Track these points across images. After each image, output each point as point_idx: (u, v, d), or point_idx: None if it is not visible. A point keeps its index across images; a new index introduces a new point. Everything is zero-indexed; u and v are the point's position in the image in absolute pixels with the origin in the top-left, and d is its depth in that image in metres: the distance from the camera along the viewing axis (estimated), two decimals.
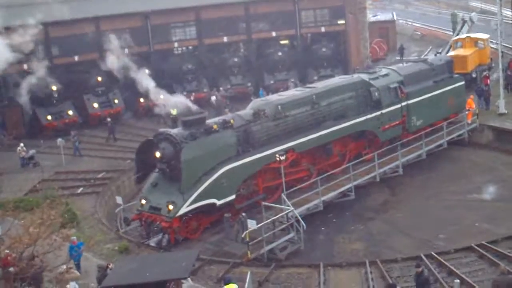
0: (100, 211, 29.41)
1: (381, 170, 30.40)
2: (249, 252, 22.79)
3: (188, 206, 24.62)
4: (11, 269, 16.92)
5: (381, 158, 30.62)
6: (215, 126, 26.01)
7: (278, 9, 51.09)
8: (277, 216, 24.43)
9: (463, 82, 37.77)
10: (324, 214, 28.00)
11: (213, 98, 45.00)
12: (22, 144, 36.67)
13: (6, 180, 32.68)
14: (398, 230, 26.56)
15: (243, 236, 23.12)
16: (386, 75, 33.45)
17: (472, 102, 37.23)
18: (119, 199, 27.65)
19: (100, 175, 34.22)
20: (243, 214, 24.07)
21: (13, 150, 36.97)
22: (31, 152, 36.77)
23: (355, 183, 28.78)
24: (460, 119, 36.45)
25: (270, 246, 23.60)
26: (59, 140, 37.00)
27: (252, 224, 22.91)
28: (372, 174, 29.99)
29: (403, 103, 33.17)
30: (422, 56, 53.52)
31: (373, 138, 32.18)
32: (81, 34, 45.27)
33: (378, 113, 31.68)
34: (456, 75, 37.85)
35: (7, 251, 17.86)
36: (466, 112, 36.51)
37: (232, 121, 26.79)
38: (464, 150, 35.48)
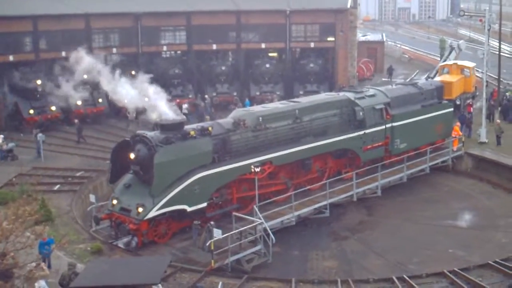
0: (76, 210, 29.20)
1: (359, 190, 30.29)
2: (213, 261, 22.75)
3: (157, 210, 24.59)
4: None
5: (361, 178, 30.66)
6: (192, 132, 25.94)
7: (270, 21, 51.26)
8: (244, 228, 24.34)
9: (451, 109, 37.77)
10: (300, 230, 28.04)
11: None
12: (2, 136, 36.34)
13: None
14: (372, 251, 26.63)
15: (207, 244, 23.09)
16: (372, 95, 33.44)
17: (458, 130, 37.35)
18: (92, 197, 27.63)
19: (78, 174, 33.99)
20: (211, 222, 24.00)
21: None
22: (10, 145, 36.48)
23: (331, 200, 28.67)
24: (446, 146, 36.46)
25: (234, 257, 23.53)
26: (39, 135, 36.69)
27: (217, 234, 22.92)
28: (349, 193, 29.88)
29: (388, 125, 33.15)
30: (408, 79, 54.03)
31: (354, 158, 32.13)
32: (70, 30, 45.08)
33: (361, 133, 31.68)
34: (445, 101, 37.91)
35: None
36: (452, 139, 36.60)
37: (210, 128, 26.77)
38: (443, 175, 35.69)
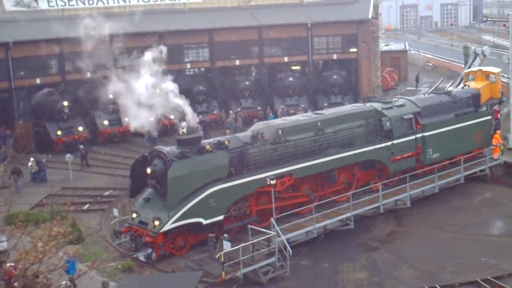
0: (106, 228, 29.49)
1: (386, 201, 29.88)
2: (223, 273, 22.94)
3: (173, 223, 24.97)
4: (16, 283, 16.90)
5: (391, 189, 30.47)
6: (207, 147, 26.35)
7: (291, 34, 51.44)
8: (256, 240, 24.41)
9: (489, 117, 36.89)
10: (330, 242, 27.94)
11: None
12: (32, 159, 36.67)
13: (15, 193, 32.77)
14: (403, 261, 26.39)
15: (217, 256, 23.38)
16: (401, 105, 32.99)
17: (499, 137, 36.26)
18: (115, 211, 28.41)
19: (107, 193, 34.34)
20: (225, 235, 24.24)
21: (24, 164, 37.00)
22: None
23: (355, 212, 28.42)
24: (483, 154, 35.53)
25: (246, 269, 23.65)
26: (68, 155, 37.19)
27: (227, 246, 23.20)
28: (375, 205, 29.55)
29: (418, 135, 32.61)
30: (433, 88, 53.81)
31: (383, 169, 31.78)
32: (94, 51, 45.54)
33: (389, 143, 31.35)
34: (482, 109, 37.05)
35: (12, 263, 17.86)
36: (492, 147, 35.76)
37: (226, 142, 27.04)
38: (473, 184, 35.07)
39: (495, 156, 35.62)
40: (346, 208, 28.37)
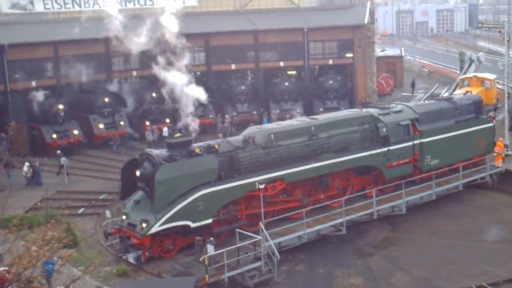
0: (100, 232, 29.38)
1: (380, 207, 29.75)
2: (207, 276, 22.99)
3: (160, 226, 25.01)
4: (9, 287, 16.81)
5: (387, 195, 30.46)
6: (197, 150, 26.40)
7: (287, 39, 51.46)
8: (241, 244, 24.45)
9: (491, 124, 36.61)
10: (325, 247, 27.92)
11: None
12: (27, 164, 36.47)
13: (10, 197, 32.51)
14: (398, 267, 26.39)
15: (200, 260, 23.45)
16: (399, 111, 32.89)
17: (502, 145, 36.02)
18: (108, 213, 28.38)
19: (101, 196, 34.24)
20: (211, 238, 24.26)
21: (19, 167, 36.87)
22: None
23: (347, 218, 28.30)
24: (485, 162, 35.33)
25: (231, 273, 23.63)
26: (63, 159, 37.07)
27: (210, 249, 23.27)
28: (369, 211, 29.42)
29: (416, 141, 32.49)
30: (428, 93, 53.88)
31: (379, 175, 31.69)
32: (91, 54, 45.52)
33: (385, 149, 31.26)
34: (484, 116, 36.90)
35: (6, 267, 17.77)
36: (494, 155, 35.54)
37: (216, 146, 27.06)
38: (468, 190, 34.99)
39: (498, 163, 35.35)
40: (339, 213, 28.32)
